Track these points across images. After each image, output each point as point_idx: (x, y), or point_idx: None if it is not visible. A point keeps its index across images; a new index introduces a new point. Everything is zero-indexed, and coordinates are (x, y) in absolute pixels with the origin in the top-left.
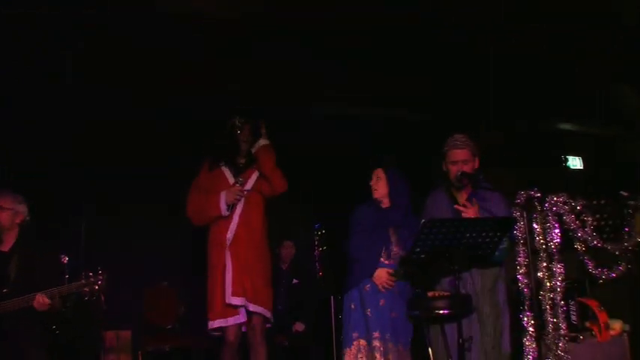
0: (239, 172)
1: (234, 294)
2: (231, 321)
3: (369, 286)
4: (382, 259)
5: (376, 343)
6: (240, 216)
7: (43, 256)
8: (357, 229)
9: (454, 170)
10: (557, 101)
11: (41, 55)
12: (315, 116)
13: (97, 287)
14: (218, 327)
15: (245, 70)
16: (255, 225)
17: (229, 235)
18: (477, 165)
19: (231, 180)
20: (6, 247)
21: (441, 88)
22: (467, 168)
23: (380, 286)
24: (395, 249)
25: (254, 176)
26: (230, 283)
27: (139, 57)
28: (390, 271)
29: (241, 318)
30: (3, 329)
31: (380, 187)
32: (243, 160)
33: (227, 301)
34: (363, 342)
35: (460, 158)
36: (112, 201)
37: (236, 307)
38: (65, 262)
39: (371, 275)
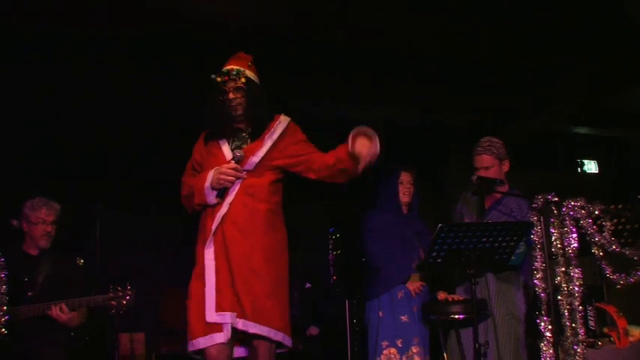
0: (242, 143)
1: (218, 308)
2: (216, 339)
3: (402, 292)
4: (414, 266)
5: (415, 349)
6: (234, 204)
7: (71, 263)
8: (378, 235)
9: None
10: (572, 104)
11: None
12: (327, 116)
13: (124, 302)
14: (201, 349)
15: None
16: (258, 215)
17: (213, 227)
18: (506, 168)
19: (229, 155)
20: (35, 251)
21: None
22: (490, 173)
23: (413, 292)
24: (422, 255)
25: (263, 149)
26: (212, 295)
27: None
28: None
29: (222, 338)
30: (23, 332)
31: (409, 192)
32: (246, 128)
33: (207, 319)
34: (393, 350)
35: (481, 165)
36: (128, 201)
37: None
38: (81, 264)
39: (405, 281)
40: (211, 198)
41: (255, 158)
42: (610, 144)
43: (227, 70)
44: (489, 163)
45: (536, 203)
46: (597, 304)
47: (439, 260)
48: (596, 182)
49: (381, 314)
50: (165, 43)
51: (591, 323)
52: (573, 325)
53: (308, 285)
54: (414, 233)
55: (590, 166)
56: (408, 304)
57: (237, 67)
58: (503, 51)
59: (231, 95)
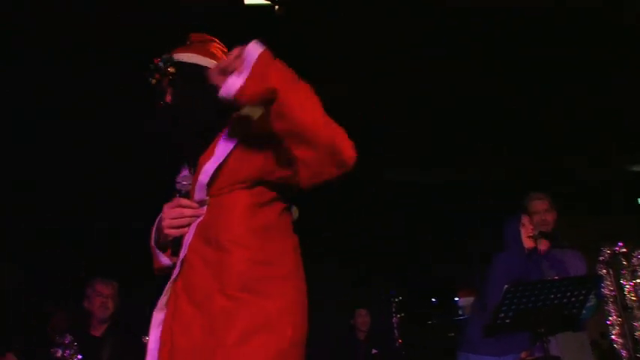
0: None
1: None
2: None
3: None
4: None
5: None
6: (187, 261)
7: (135, 342)
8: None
9: (536, 219)
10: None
11: None
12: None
13: None
14: None
15: None
16: (226, 273)
17: (164, 299)
18: (555, 218)
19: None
20: (98, 332)
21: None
22: (549, 217)
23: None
24: None
25: (211, 163)
26: None
27: None
28: None
29: None
30: None
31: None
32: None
33: None
34: None
35: (542, 208)
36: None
37: None
38: (146, 342)
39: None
40: (164, 260)
41: (203, 177)
42: None
43: (153, 65)
44: (548, 207)
45: (603, 256)
46: None
47: (507, 321)
48: None
49: None
50: None
51: None
52: None
53: (374, 351)
54: None
55: None
56: None
57: (166, 55)
58: None
59: (167, 97)
